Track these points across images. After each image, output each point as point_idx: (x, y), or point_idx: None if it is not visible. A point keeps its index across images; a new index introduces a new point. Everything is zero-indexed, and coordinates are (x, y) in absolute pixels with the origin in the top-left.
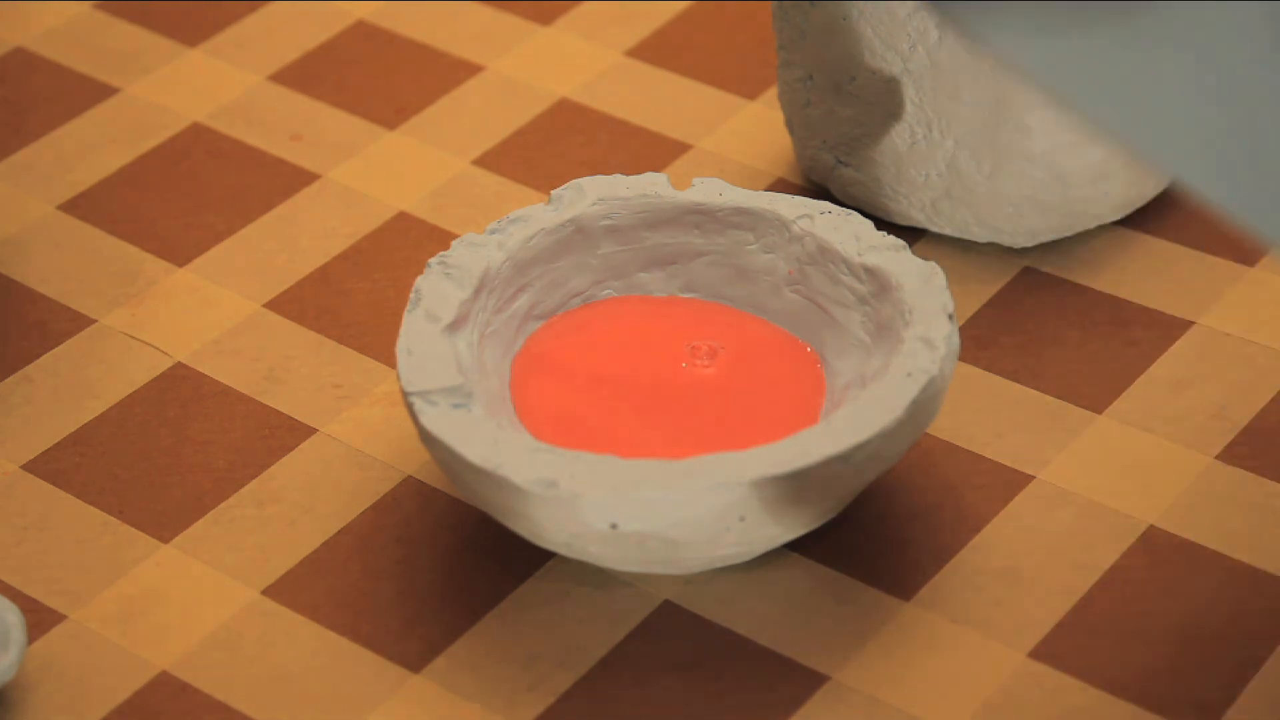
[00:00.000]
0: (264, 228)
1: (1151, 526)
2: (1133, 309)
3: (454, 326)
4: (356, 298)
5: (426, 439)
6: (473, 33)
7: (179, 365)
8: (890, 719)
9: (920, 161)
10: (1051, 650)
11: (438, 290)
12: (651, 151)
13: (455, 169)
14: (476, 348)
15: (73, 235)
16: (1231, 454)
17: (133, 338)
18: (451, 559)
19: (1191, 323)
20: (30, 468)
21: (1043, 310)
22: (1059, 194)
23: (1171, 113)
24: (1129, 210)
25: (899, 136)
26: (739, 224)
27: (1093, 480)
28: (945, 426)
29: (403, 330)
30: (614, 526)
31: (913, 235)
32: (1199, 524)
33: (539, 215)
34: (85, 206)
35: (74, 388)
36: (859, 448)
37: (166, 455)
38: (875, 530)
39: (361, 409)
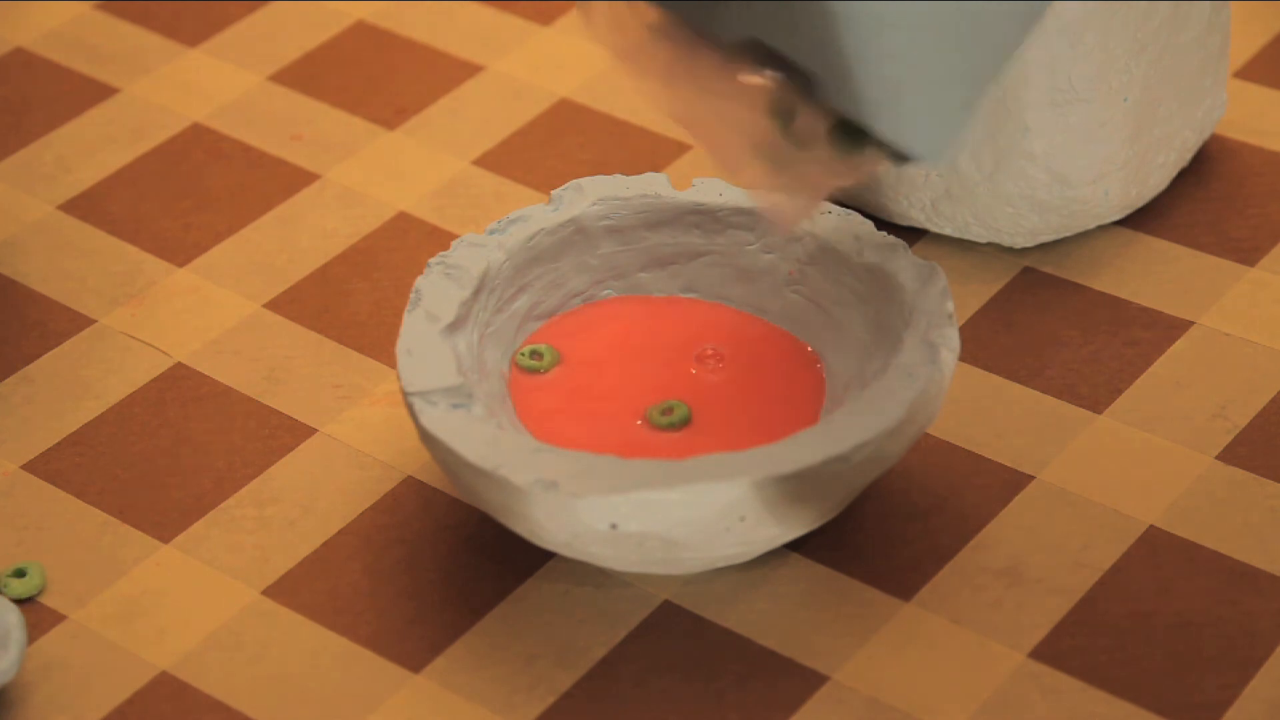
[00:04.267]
0: (264, 228)
1: (1151, 526)
2: (1133, 309)
3: (454, 326)
4: (356, 298)
5: (426, 439)
6: (473, 33)
7: (179, 365)
8: (890, 719)
9: None
10: (1051, 650)
11: (438, 290)
12: (651, 151)
13: (455, 169)
14: (476, 348)
15: (73, 235)
16: (1231, 454)
17: (133, 338)
18: (452, 559)
19: (1191, 323)
20: (30, 468)
21: (1043, 310)
22: (1059, 194)
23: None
24: (1129, 210)
25: None
26: (739, 224)
27: (1093, 480)
28: (945, 426)
29: (403, 330)
30: (614, 526)
31: (913, 235)
32: (1199, 524)
33: (539, 215)
34: (85, 206)
35: (74, 388)
36: (859, 448)
37: (166, 455)
38: (875, 530)
39: (361, 409)
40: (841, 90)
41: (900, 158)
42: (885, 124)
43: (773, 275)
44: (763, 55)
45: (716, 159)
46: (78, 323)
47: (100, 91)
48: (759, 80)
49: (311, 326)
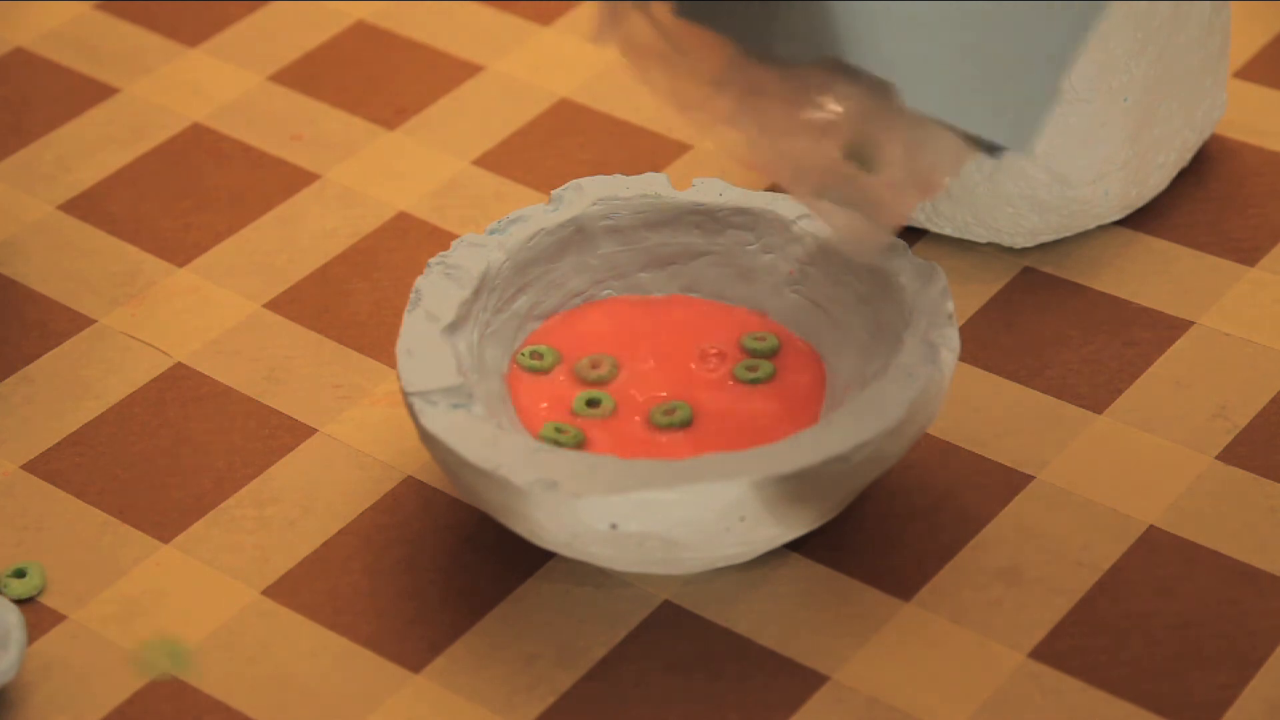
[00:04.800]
0: (264, 228)
1: (1151, 526)
2: (1133, 309)
3: (454, 326)
4: (356, 298)
5: (426, 439)
6: (473, 33)
7: (179, 365)
8: (890, 719)
9: None
10: (1051, 650)
11: (438, 290)
12: (651, 151)
13: (455, 169)
14: (476, 348)
15: (73, 235)
16: (1231, 454)
17: (133, 338)
18: (452, 559)
19: (1191, 323)
20: (30, 468)
21: (1043, 310)
22: (1059, 194)
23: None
24: (1129, 210)
25: None
26: (739, 224)
27: (1093, 480)
28: (945, 426)
29: (403, 330)
30: (614, 526)
31: (913, 235)
32: (1199, 524)
33: (539, 215)
34: (85, 206)
35: (74, 388)
36: (859, 448)
37: (166, 455)
38: (875, 530)
39: (361, 409)
40: (923, 92)
41: (990, 150)
42: (972, 118)
43: (773, 275)
44: (834, 73)
45: (794, 193)
46: (78, 323)
47: (100, 91)
48: (827, 115)
49: (311, 326)
